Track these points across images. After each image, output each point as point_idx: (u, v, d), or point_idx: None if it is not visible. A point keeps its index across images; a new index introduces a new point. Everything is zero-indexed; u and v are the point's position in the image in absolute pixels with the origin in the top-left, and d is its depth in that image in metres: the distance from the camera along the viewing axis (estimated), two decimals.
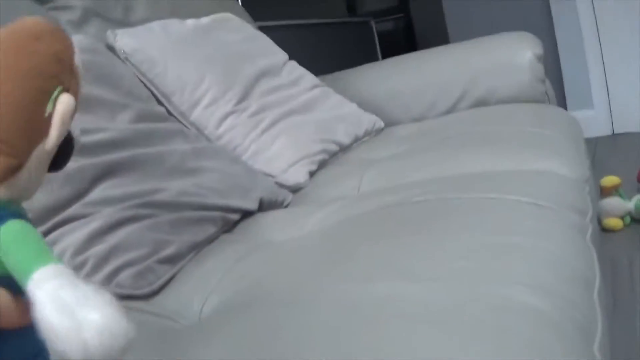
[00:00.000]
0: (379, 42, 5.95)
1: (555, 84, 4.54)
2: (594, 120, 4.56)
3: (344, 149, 1.84)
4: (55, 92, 0.55)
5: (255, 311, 0.84)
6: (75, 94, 0.57)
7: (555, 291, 0.72)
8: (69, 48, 0.58)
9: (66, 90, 0.56)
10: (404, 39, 6.54)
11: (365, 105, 2.10)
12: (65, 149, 0.59)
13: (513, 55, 1.98)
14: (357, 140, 1.91)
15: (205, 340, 0.80)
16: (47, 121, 0.54)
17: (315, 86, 2.02)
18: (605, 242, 2.48)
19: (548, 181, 1.14)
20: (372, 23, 6.13)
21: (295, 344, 0.69)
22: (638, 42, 4.43)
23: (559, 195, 1.07)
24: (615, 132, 4.56)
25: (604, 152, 4.06)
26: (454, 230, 0.92)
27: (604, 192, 2.62)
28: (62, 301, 0.46)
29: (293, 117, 1.81)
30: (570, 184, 1.19)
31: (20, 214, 0.53)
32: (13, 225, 0.51)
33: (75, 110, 0.57)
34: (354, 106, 2.01)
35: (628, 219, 2.62)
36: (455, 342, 0.60)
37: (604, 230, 2.59)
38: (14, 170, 0.52)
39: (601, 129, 4.56)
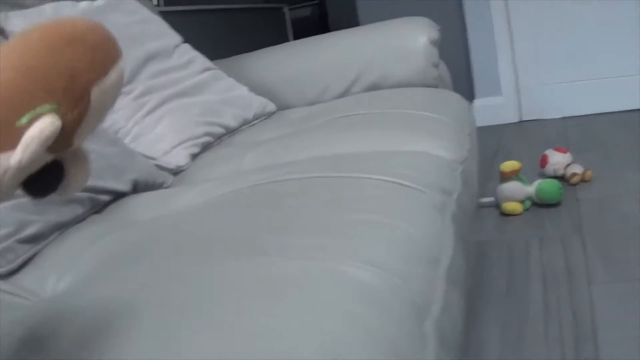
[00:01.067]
0: (294, 29, 5.94)
1: (464, 70, 4.60)
2: (502, 108, 4.63)
3: (230, 131, 1.81)
4: (39, 109, 0.48)
5: (107, 288, 0.82)
6: (74, 122, 0.50)
7: (392, 268, 0.71)
8: (100, 71, 0.50)
9: (61, 113, 0.49)
10: (318, 26, 6.54)
11: (259, 89, 2.07)
12: (50, 177, 0.54)
13: (408, 39, 1.97)
14: (245, 123, 1.88)
15: (46, 316, 0.78)
16: (18, 134, 0.47)
17: (206, 69, 1.98)
18: (504, 226, 2.51)
19: (419, 162, 1.13)
20: (286, 10, 6.12)
21: (136, 318, 0.67)
22: (548, 31, 4.51)
23: (426, 175, 1.06)
24: (522, 119, 4.64)
25: (510, 138, 4.13)
26: (311, 208, 0.91)
27: (504, 176, 2.65)
28: None
29: (179, 100, 1.77)
30: (443, 165, 1.18)
31: None
32: None
33: (67, 141, 0.51)
34: (244, 89, 1.97)
35: (528, 203, 2.65)
36: (279, 315, 0.60)
37: (504, 214, 2.62)
38: None
39: (509, 116, 4.63)
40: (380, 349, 0.57)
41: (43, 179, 0.53)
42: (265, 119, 1.98)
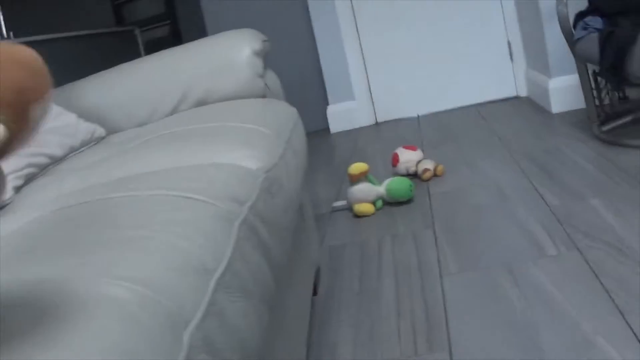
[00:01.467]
0: (148, 51, 5.83)
1: (316, 78, 4.62)
2: (357, 112, 4.68)
3: (57, 160, 1.74)
4: None
5: None
6: (14, 137, 0.52)
7: (149, 282, 0.67)
8: (39, 93, 0.54)
9: (5, 124, 0.51)
10: (173, 46, 6.45)
11: (89, 114, 1.99)
12: None
13: (231, 52, 1.95)
14: (72, 150, 1.81)
15: None
16: None
17: None
18: (357, 227, 2.51)
19: (214, 174, 1.10)
20: (137, 32, 6.01)
21: None
22: (395, 33, 4.59)
23: (216, 187, 1.03)
24: (378, 121, 4.71)
25: (365, 140, 4.17)
26: (87, 229, 0.87)
27: (353, 179, 2.66)
28: None
29: None
30: (243, 175, 1.15)
31: None
32: None
33: (5, 150, 0.52)
34: (72, 117, 1.90)
35: (380, 203, 2.67)
36: (36, 343, 0.56)
37: (357, 216, 2.63)
38: None
39: (364, 119, 4.69)
40: None
41: None
42: (94, 144, 1.92)
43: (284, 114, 1.75)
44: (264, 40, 2.00)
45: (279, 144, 1.47)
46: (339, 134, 4.63)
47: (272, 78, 2.01)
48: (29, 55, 0.55)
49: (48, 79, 0.57)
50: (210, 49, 2.02)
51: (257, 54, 1.94)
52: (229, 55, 1.96)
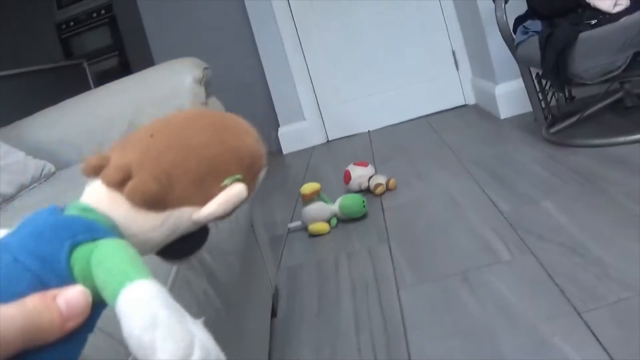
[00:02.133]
0: (98, 83, 5.79)
1: (266, 101, 4.62)
2: (308, 131, 4.69)
3: (7, 198, 1.72)
4: (238, 176, 0.56)
5: None
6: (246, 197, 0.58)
7: None
8: (263, 163, 0.61)
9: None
10: (121, 76, 6.39)
11: (37, 151, 1.97)
12: (193, 242, 0.59)
13: (174, 81, 1.93)
14: (23, 188, 1.79)
15: None
16: (211, 195, 0.55)
17: None
18: (313, 247, 2.50)
19: None
20: (85, 64, 5.97)
21: None
22: (340, 54, 4.61)
23: None
24: (329, 139, 4.71)
25: (317, 159, 4.17)
26: None
27: (306, 199, 2.65)
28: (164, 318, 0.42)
29: None
30: None
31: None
32: (115, 241, 0.48)
33: (233, 208, 0.57)
34: (20, 155, 1.87)
35: (335, 221, 2.66)
36: None
37: (312, 235, 2.62)
38: (154, 201, 0.52)
39: (316, 138, 4.70)
40: None
41: (183, 243, 0.58)
42: (44, 180, 1.89)
43: None
44: (205, 68, 1.99)
45: None
46: (292, 154, 4.62)
47: (215, 104, 2.00)
48: (249, 126, 0.62)
49: (265, 149, 0.63)
50: (153, 78, 2.01)
51: (198, 81, 1.94)
52: (171, 83, 1.95)
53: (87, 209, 0.52)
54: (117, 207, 0.52)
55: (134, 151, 0.55)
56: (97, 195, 0.53)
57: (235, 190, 0.55)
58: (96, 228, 0.49)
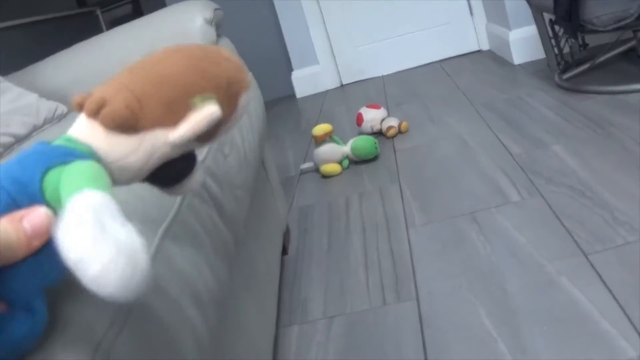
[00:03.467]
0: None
1: (279, 45, 4.61)
2: (321, 75, 4.68)
3: (21, 139, 1.74)
4: (209, 96, 0.59)
5: None
6: (223, 120, 0.61)
7: None
8: (243, 85, 0.63)
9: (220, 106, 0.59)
10: None
11: (52, 94, 1.98)
12: (181, 170, 0.63)
13: (184, 22, 1.94)
14: (36, 129, 1.81)
15: None
16: (183, 116, 0.57)
17: None
18: (325, 187, 2.53)
19: None
20: (98, 12, 5.95)
21: None
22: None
23: None
24: (343, 83, 4.71)
25: (331, 103, 4.18)
26: None
27: (318, 140, 2.67)
28: (101, 221, 0.45)
29: None
30: None
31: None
32: (83, 162, 0.52)
33: (215, 132, 0.61)
34: (33, 97, 1.89)
35: (346, 163, 2.68)
36: None
37: (324, 176, 2.64)
38: (127, 126, 0.56)
39: (329, 82, 4.69)
40: None
41: (176, 173, 0.63)
42: (57, 122, 1.91)
43: None
44: (216, 9, 2.00)
45: None
46: (305, 98, 4.63)
47: (226, 45, 2.01)
48: (232, 54, 0.64)
49: (247, 75, 0.65)
50: (164, 19, 2.02)
51: (208, 22, 1.95)
52: (182, 24, 1.96)
53: (69, 139, 0.58)
54: (95, 134, 0.57)
55: (112, 85, 0.59)
56: (79, 127, 0.59)
57: (206, 111, 0.57)
58: (71, 153, 0.54)
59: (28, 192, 0.50)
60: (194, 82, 0.58)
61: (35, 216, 0.47)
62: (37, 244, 0.47)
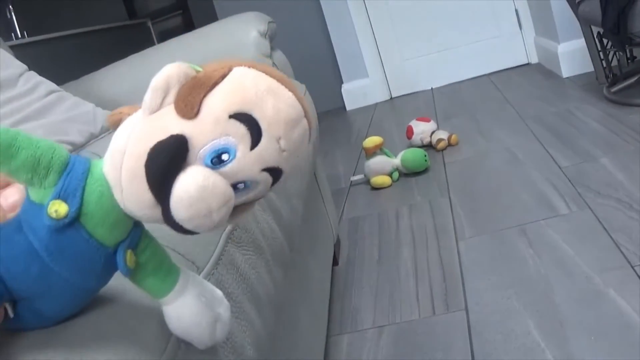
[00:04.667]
0: (162, 42, 5.88)
1: (330, 58, 4.67)
2: (371, 88, 4.73)
3: (78, 147, 1.81)
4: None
5: None
6: (198, 82, 0.55)
7: (167, 238, 0.75)
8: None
9: None
10: None
11: (108, 103, 2.06)
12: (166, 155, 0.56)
13: (239, 35, 1.99)
14: (93, 137, 1.88)
15: None
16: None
17: (51, 92, 1.96)
18: (375, 199, 2.57)
19: None
20: (149, 24, 6.07)
21: None
22: (403, 11, 4.62)
23: None
24: (392, 96, 4.75)
25: (381, 115, 4.22)
26: None
27: (368, 152, 2.72)
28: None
29: (24, 125, 1.75)
30: None
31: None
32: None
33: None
34: (90, 106, 1.97)
35: (396, 175, 2.72)
36: None
37: (375, 188, 2.69)
38: None
39: (379, 95, 4.74)
40: None
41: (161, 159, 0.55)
42: (113, 130, 1.99)
43: None
44: (270, 22, 2.05)
45: None
46: (355, 110, 4.68)
47: (280, 58, 2.06)
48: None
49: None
50: (218, 33, 2.07)
51: (263, 35, 1.99)
52: (236, 37, 2.01)
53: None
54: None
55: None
56: None
57: (166, 66, 0.56)
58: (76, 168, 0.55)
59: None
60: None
61: (9, 193, 0.55)
62: (12, 214, 0.54)
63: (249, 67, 0.55)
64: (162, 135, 0.51)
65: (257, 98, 0.52)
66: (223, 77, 0.54)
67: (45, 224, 0.51)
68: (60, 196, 0.51)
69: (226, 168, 0.51)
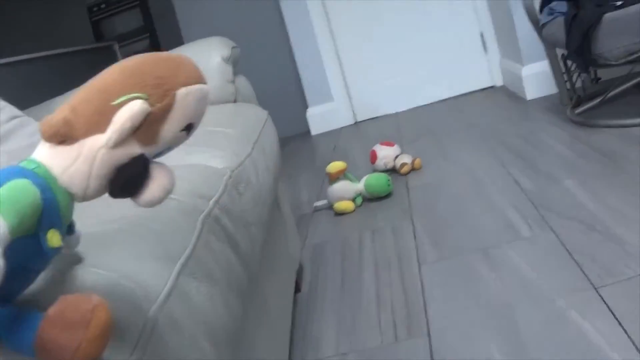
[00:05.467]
0: None
1: (295, 82, 4.66)
2: (336, 112, 4.72)
3: None
4: (135, 95, 0.60)
5: None
6: (160, 115, 0.61)
7: (118, 268, 0.72)
8: (176, 81, 0.63)
9: (149, 103, 0.60)
10: None
11: None
12: (135, 178, 0.63)
13: (202, 60, 1.97)
14: None
15: None
16: (112, 117, 0.59)
17: (13, 117, 1.93)
18: (338, 224, 2.55)
19: (183, 173, 1.13)
20: (116, 47, 6.03)
21: None
22: (369, 35, 4.63)
23: (185, 185, 1.07)
24: (357, 120, 4.75)
25: (346, 140, 4.21)
26: None
27: (332, 177, 2.69)
28: None
29: None
30: (209, 173, 1.19)
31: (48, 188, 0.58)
32: (9, 185, 0.54)
33: (155, 130, 0.62)
34: None
35: (360, 200, 2.70)
36: None
37: (338, 214, 2.66)
38: (62, 135, 0.60)
39: (344, 119, 4.73)
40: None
41: (127, 178, 0.62)
42: None
43: (254, 117, 1.78)
44: (233, 47, 2.03)
45: (246, 144, 1.50)
46: (320, 135, 4.67)
47: (243, 83, 2.04)
48: (177, 55, 0.67)
49: (196, 71, 0.67)
50: None
51: (226, 60, 1.97)
52: (200, 63, 1.99)
53: (30, 160, 0.62)
54: (42, 150, 0.62)
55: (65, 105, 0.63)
56: (38, 148, 0.63)
57: (128, 107, 0.59)
58: (20, 173, 0.58)
59: None
60: (118, 83, 0.60)
61: None
62: None
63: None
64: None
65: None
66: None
67: None
68: None
69: None
